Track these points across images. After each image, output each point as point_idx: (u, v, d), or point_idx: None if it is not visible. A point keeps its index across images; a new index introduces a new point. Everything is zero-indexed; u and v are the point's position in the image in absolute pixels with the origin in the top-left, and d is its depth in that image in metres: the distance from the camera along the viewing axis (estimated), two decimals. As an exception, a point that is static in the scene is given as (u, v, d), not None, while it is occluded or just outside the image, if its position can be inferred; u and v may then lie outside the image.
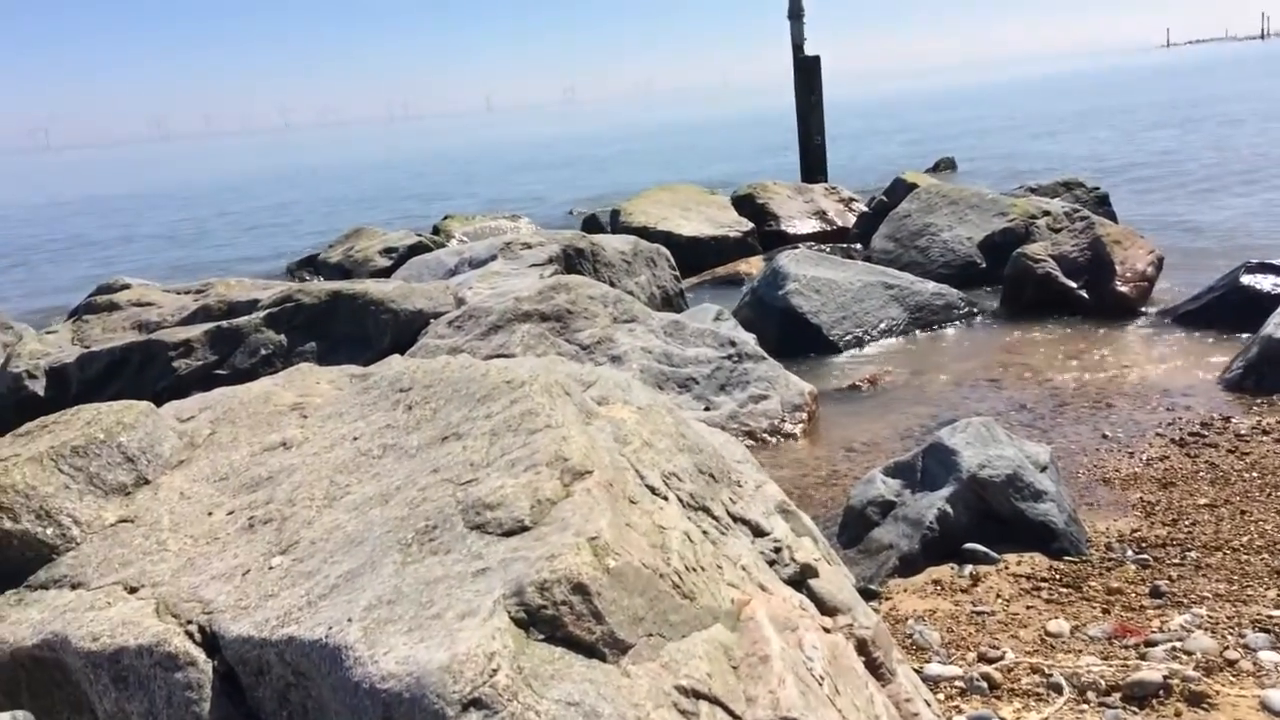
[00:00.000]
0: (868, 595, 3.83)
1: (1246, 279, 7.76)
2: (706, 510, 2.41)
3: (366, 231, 15.59)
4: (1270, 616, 3.24)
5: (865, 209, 13.78)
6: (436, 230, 16.29)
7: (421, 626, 1.68)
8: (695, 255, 12.33)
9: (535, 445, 2.14)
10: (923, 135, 34.02)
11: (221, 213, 31.31)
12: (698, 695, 1.69)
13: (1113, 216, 11.11)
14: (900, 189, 12.36)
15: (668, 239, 12.06)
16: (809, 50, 19.77)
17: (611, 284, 8.46)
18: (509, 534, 1.89)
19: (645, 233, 12.19)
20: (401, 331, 7.37)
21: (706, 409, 6.35)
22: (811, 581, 2.56)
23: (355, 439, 2.54)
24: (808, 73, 19.59)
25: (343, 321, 7.61)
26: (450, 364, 2.74)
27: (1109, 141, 24.58)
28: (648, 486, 2.23)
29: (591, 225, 16.89)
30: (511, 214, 18.99)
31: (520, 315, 6.87)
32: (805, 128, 19.72)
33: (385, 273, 11.99)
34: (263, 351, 7.48)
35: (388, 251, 13.89)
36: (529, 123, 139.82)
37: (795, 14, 19.82)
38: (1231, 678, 2.87)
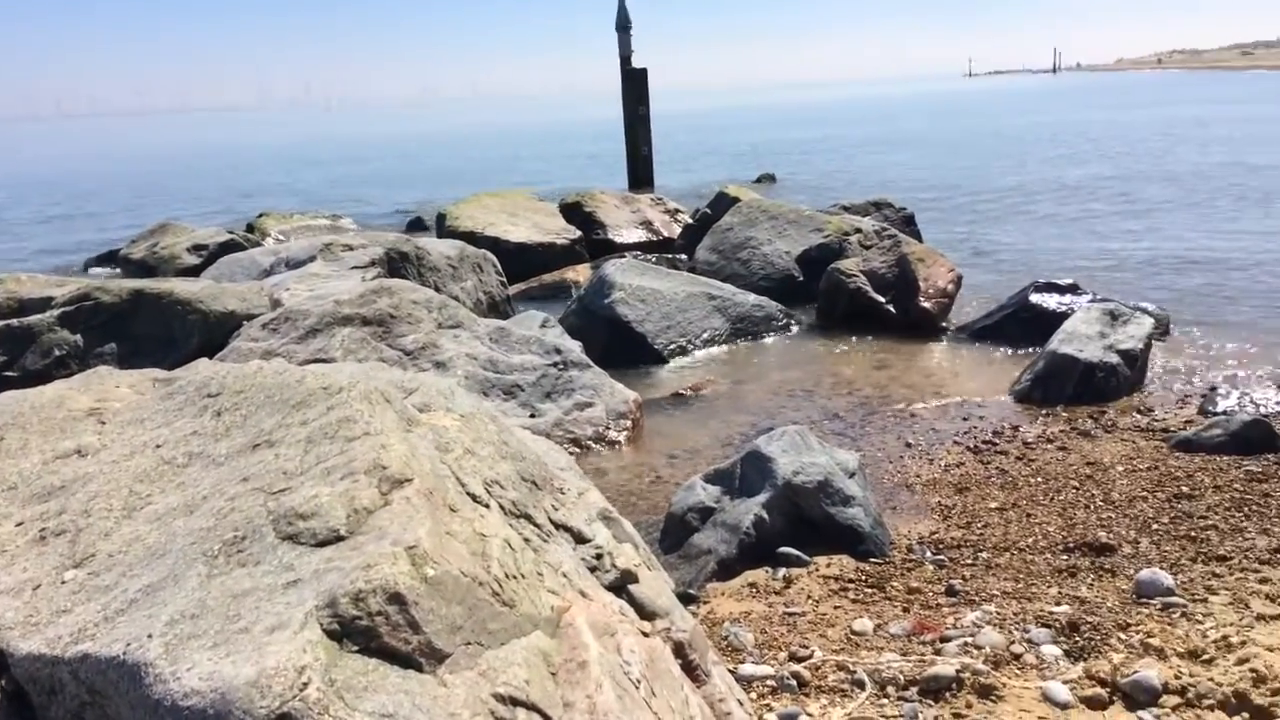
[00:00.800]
0: (687, 599, 3.92)
1: (1035, 297, 8.37)
2: (528, 518, 2.41)
3: (174, 227, 14.82)
4: (1051, 613, 3.50)
5: (690, 220, 14.07)
6: (251, 228, 15.64)
7: (228, 641, 1.62)
8: (522, 262, 12.29)
9: (353, 453, 2.09)
10: (745, 150, 35.04)
11: (19, 201, 29.04)
12: (515, 702, 1.69)
13: (918, 235, 11.75)
14: (723, 202, 12.70)
15: (495, 245, 11.99)
16: (637, 63, 20.08)
17: (436, 289, 8.34)
18: (323, 544, 1.84)
19: (472, 238, 12.08)
20: (211, 334, 7.04)
21: (532, 416, 6.34)
22: (632, 587, 2.60)
23: (158, 446, 2.42)
24: (635, 84, 19.91)
25: (145, 322, 7.21)
26: (264, 369, 2.65)
27: (915, 164, 25.96)
28: (469, 494, 2.22)
29: (416, 228, 16.60)
30: (333, 214, 18.43)
31: (340, 319, 6.68)
32: (633, 138, 20.02)
33: (194, 271, 11.43)
34: (56, 353, 7.01)
35: (197, 249, 13.25)
36: (357, 122, 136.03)
37: (623, 26, 20.11)
38: (1017, 670, 3.09)
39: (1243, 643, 3.06)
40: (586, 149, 39.60)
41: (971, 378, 7.47)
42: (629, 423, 6.50)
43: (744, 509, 4.44)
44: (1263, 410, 6.03)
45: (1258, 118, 35.18)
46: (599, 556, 2.61)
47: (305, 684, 1.52)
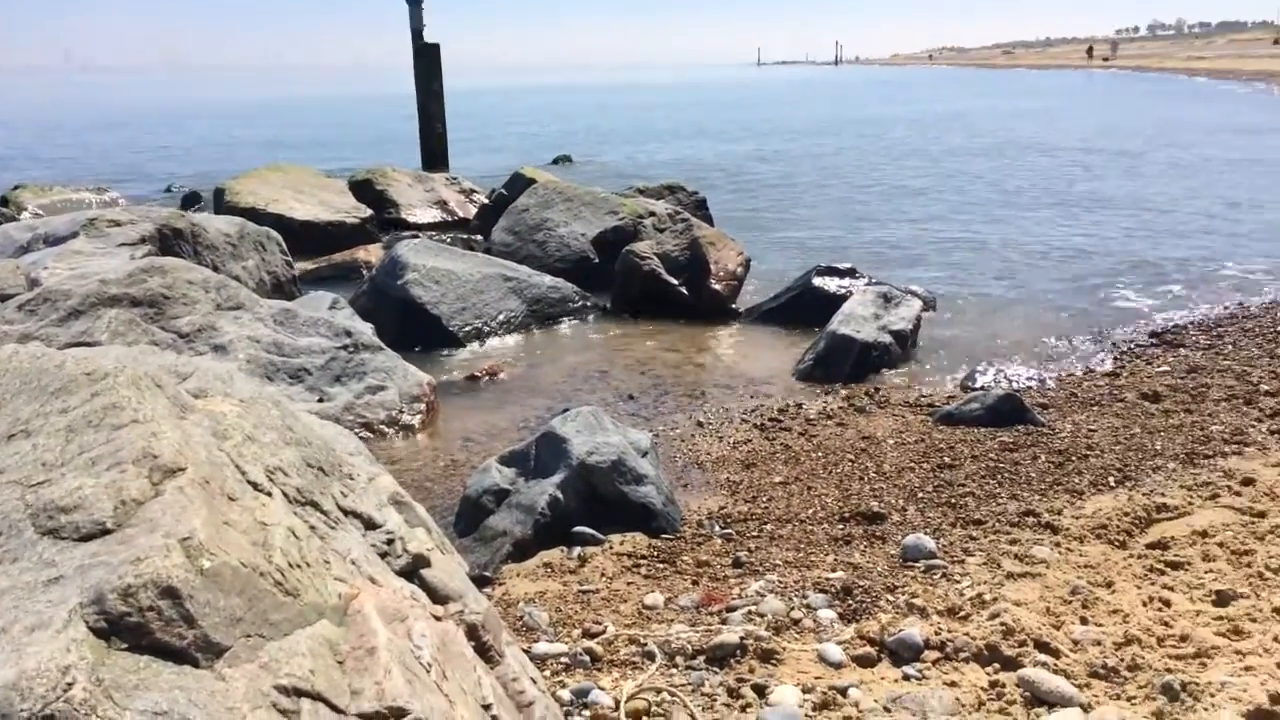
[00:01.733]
0: (482, 582, 3.92)
1: (817, 281, 8.79)
2: (315, 505, 2.35)
3: (-90, 199, 13.42)
4: (828, 579, 3.72)
5: (486, 201, 13.94)
6: (5, 202, 14.35)
7: (-20, 646, 1.51)
8: (310, 241, 11.84)
9: (120, 442, 1.97)
10: (543, 131, 34.99)
11: None
12: (299, 693, 1.66)
13: (710, 219, 12.09)
14: (520, 183, 12.64)
15: (279, 222, 11.48)
16: (429, 37, 19.64)
17: (215, 268, 7.92)
18: (88, 538, 1.74)
19: (254, 214, 11.52)
20: (-43, 315, 6.43)
21: (320, 400, 6.14)
22: (424, 572, 2.58)
23: (-107, 439, 2.20)
24: (428, 60, 19.48)
25: (-122, 302, 6.50)
26: (19, 353, 2.45)
27: (706, 148, 26.67)
28: (250, 482, 2.14)
29: (192, 204, 15.66)
30: (97, 186, 17.14)
31: (106, 299, 6.24)
32: (426, 116, 19.60)
33: (-64, 247, 10.37)
34: None
35: (-61, 223, 12.03)
36: (122, 87, 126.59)
37: (414, -2, 19.62)
38: (796, 634, 3.26)
39: (994, 599, 3.35)
40: (378, 126, 38.45)
41: (759, 358, 7.77)
42: (423, 406, 6.41)
43: (539, 490, 4.47)
44: (1015, 385, 6.57)
45: (1021, 111, 38.04)
46: (390, 542, 2.57)
47: (70, 684, 1.43)
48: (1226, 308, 8.47)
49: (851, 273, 8.90)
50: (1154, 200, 15.01)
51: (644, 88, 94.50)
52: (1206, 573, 3.55)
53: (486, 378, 7.34)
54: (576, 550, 4.21)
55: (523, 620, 3.51)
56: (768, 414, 6.33)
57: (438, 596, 2.51)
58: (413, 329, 8.08)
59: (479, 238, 12.00)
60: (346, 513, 2.50)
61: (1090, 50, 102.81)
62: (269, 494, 2.15)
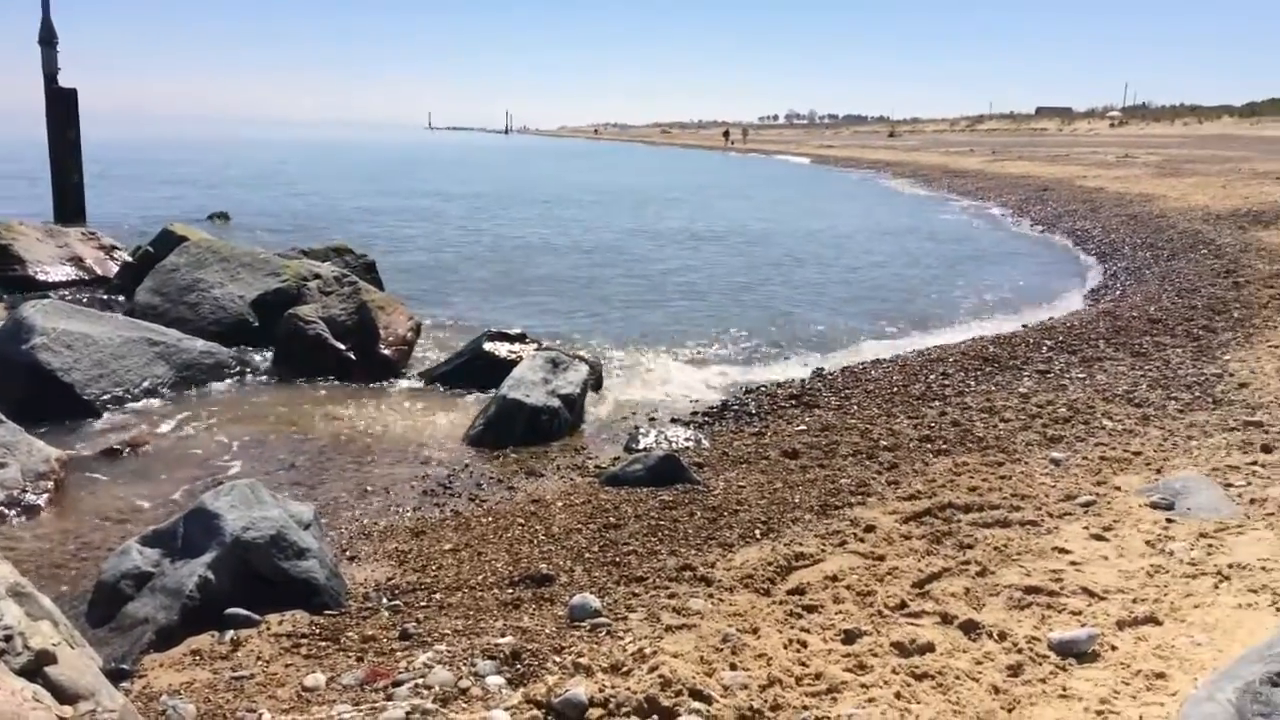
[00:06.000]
0: (118, 676, 3.58)
1: (488, 345, 8.88)
2: (-91, 603, 2.07)
3: None
4: (497, 644, 3.73)
5: (129, 259, 12.89)
6: None
7: None
8: (-89, 298, 10.39)
9: None
10: (196, 186, 32.94)
11: None
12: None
13: (379, 283, 11.89)
14: (169, 240, 11.81)
15: None
16: (64, 82, 18.05)
17: None
18: None
19: None
20: None
21: (-80, 481, 5.37)
22: (48, 669, 2.34)
23: None
24: (63, 105, 17.86)
25: None
26: None
27: (372, 211, 26.24)
28: None
29: None
30: None
31: None
32: (60, 166, 17.93)
33: None
34: None
35: None
36: None
37: (47, 40, 17.99)
38: (464, 704, 3.24)
39: (654, 653, 3.50)
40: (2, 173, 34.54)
41: (429, 423, 7.71)
42: (51, 484, 5.78)
43: (187, 571, 4.16)
44: (674, 446, 6.95)
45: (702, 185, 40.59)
46: (8, 638, 2.32)
47: None
48: (852, 370, 9.47)
49: (521, 338, 9.07)
50: (788, 271, 16.53)
51: (308, 144, 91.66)
52: (837, 614, 3.92)
53: (128, 450, 6.74)
54: (230, 634, 3.94)
55: (165, 715, 3.23)
56: (438, 479, 6.29)
57: (65, 696, 2.28)
58: (40, 398, 7.28)
59: (121, 298, 11.06)
60: (-49, 610, 2.22)
61: (726, 133, 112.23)
62: None
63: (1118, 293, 13.28)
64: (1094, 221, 21.39)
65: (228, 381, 8.56)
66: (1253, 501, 4.88)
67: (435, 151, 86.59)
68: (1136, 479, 5.41)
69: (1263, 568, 3.98)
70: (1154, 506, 4.86)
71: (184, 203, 25.43)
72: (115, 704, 2.34)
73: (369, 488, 6.15)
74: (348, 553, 5.05)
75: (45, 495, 5.70)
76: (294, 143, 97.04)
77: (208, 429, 7.36)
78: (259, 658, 3.73)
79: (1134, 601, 3.81)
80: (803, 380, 9.02)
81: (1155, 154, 40.33)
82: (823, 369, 9.42)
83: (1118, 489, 5.26)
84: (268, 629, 4.00)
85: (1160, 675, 3.21)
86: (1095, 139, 67.50)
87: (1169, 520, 4.68)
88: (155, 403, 7.89)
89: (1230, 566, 4.03)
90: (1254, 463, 5.53)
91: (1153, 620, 3.63)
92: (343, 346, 9.01)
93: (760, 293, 14.53)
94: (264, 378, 8.80)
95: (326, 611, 4.21)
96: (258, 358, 9.15)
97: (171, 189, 31.27)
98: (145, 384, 7.98)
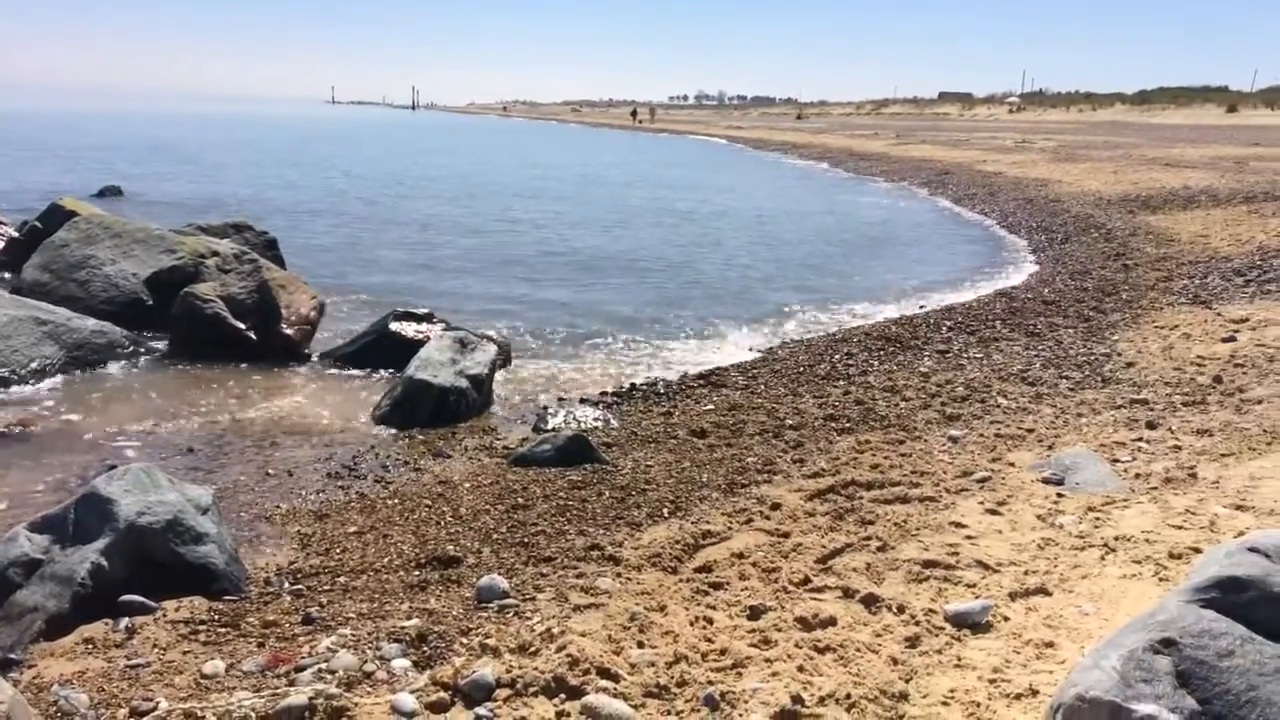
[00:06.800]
0: (6, 666, 3.47)
1: (394, 325, 8.74)
2: None
3: None
4: (403, 627, 3.69)
5: (15, 234, 12.33)
6: None
7: None
8: None
9: None
10: (88, 159, 31.64)
11: None
12: None
13: (281, 261, 11.60)
14: (58, 215, 11.34)
15: None
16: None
17: None
18: None
19: None
20: None
21: None
22: (-76, 664, 2.23)
23: None
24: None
25: None
26: None
27: (278, 185, 25.58)
28: None
29: None
30: None
31: None
32: (-62, 133, 17.00)
33: None
34: None
35: None
36: None
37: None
38: (369, 688, 3.20)
39: (562, 632, 3.51)
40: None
41: (334, 404, 7.56)
42: (-70, 469, 5.51)
43: (79, 558, 4.01)
44: (583, 426, 6.95)
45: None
46: (-121, 633, 2.20)
47: None
48: (759, 351, 9.58)
49: (429, 317, 8.95)
50: (699, 252, 16.63)
51: (215, 120, 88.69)
52: (742, 590, 3.97)
53: (15, 433, 6.47)
54: (124, 621, 3.82)
55: (57, 705, 3.12)
56: (342, 462, 6.18)
57: (-57, 692, 2.19)
58: (-83, 379, 6.94)
59: (6, 275, 10.58)
60: None
61: (634, 113, 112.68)
62: None
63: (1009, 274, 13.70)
64: (992, 205, 22.00)
65: (121, 362, 8.27)
66: (1137, 476, 5.10)
67: (340, 129, 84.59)
68: (1029, 455, 5.60)
69: (1146, 540, 4.16)
70: (1045, 482, 5.05)
71: (73, 177, 24.39)
72: (4, 695, 2.25)
73: (270, 471, 6.01)
74: (248, 537, 4.94)
75: (-76, 481, 5.45)
76: (191, 118, 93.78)
77: (100, 411, 7.10)
78: (155, 645, 3.63)
79: (1025, 574, 3.96)
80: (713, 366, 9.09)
81: (1051, 139, 41.67)
82: (748, 351, 9.50)
83: (1011, 465, 5.44)
84: (164, 616, 3.90)
85: (1049, 644, 3.34)
86: (995, 124, 69.39)
87: (1059, 495, 4.86)
88: (44, 384, 7.58)
89: (1116, 539, 4.21)
90: (1139, 439, 5.77)
91: (1043, 591, 3.78)
92: (242, 326, 8.77)
93: (675, 272, 14.58)
94: (160, 358, 8.52)
95: (226, 597, 4.12)
96: (152, 338, 8.85)
97: (61, 163, 29.99)
98: (33, 364, 7.66)
